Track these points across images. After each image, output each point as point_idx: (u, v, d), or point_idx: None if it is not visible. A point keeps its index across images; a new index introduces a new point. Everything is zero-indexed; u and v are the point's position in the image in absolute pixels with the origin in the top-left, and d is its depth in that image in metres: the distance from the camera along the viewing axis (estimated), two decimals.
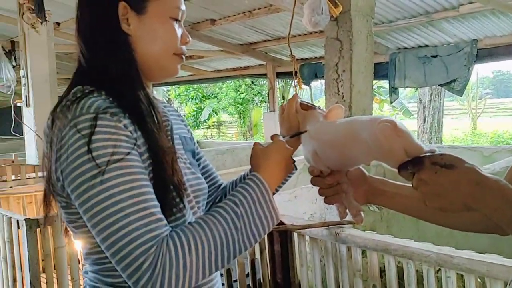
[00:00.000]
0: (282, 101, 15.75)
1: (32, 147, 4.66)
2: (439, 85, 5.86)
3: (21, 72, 4.62)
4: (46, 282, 2.38)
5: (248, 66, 8.47)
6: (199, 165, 1.10)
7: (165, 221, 0.80)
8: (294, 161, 0.99)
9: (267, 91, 8.26)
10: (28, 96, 4.55)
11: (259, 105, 17.42)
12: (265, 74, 8.01)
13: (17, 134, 5.27)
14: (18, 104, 4.73)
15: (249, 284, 2.44)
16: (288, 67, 7.44)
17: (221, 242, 0.81)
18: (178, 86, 16.77)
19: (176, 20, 0.95)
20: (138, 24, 0.91)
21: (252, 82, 16.54)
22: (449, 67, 5.46)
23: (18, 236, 2.44)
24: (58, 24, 6.14)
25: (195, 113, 18.93)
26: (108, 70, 0.88)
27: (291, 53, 2.52)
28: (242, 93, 17.00)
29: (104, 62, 0.89)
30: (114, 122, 0.81)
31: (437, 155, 0.74)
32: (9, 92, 5.42)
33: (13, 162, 4.33)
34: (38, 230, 2.34)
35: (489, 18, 5.03)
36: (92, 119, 0.79)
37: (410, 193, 0.95)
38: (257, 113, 17.18)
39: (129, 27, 0.90)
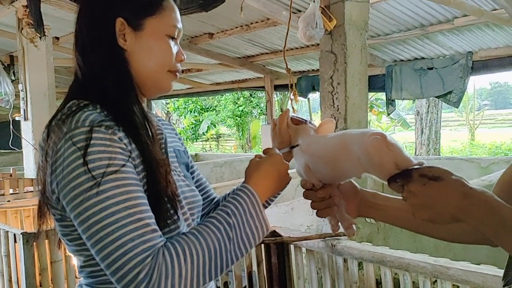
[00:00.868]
0: (281, 113, 15.78)
1: (30, 161, 4.67)
2: (435, 97, 5.90)
3: (20, 86, 4.64)
4: None
5: (246, 79, 8.51)
6: (192, 178, 1.11)
7: (159, 232, 0.81)
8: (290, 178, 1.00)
9: (265, 103, 8.29)
10: (27, 110, 4.58)
11: (257, 117, 17.45)
12: (263, 87, 8.05)
13: (16, 148, 5.28)
14: (17, 118, 4.75)
15: None
16: (285, 79, 7.48)
17: (215, 252, 0.82)
18: (177, 99, 16.83)
19: (172, 38, 0.97)
20: (135, 40, 0.93)
21: (251, 95, 16.59)
22: (445, 79, 5.50)
23: (15, 250, 2.44)
24: (57, 38, 6.20)
25: (193, 125, 18.95)
26: (103, 83, 0.90)
27: (287, 66, 2.55)
28: (240, 106, 17.05)
29: (99, 76, 0.91)
30: (109, 134, 0.82)
31: (425, 167, 0.76)
32: (7, 106, 5.44)
33: (11, 176, 4.34)
34: (35, 244, 2.34)
35: (483, 31, 5.09)
36: (87, 131, 0.81)
37: (401, 206, 0.96)
38: (256, 126, 17.20)
39: (125, 42, 0.92)
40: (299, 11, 4.58)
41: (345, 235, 2.12)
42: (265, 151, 0.99)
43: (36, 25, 3.90)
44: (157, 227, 0.81)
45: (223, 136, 21.47)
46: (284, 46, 2.62)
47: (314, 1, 2.51)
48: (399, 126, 16.16)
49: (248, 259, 2.42)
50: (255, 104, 17.06)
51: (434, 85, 5.60)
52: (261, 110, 16.53)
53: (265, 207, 0.94)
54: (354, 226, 1.02)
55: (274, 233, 2.36)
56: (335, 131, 1.02)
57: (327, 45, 2.58)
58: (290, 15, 2.67)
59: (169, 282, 0.76)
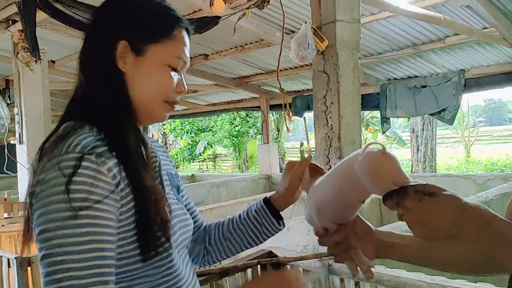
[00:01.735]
0: (277, 133, 15.83)
1: (25, 185, 4.63)
2: (429, 114, 5.95)
3: (15, 110, 4.64)
4: None
5: (242, 99, 8.56)
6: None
7: (112, 285, 0.78)
8: None
9: (261, 123, 8.33)
10: (22, 134, 4.57)
11: (254, 137, 17.47)
12: (259, 107, 8.10)
13: (10, 172, 5.25)
14: (12, 142, 4.74)
15: None
16: (281, 99, 7.52)
17: None
18: (173, 119, 16.86)
19: (175, 69, 0.94)
20: (135, 65, 0.91)
21: (247, 115, 16.65)
22: (438, 97, 5.55)
23: (9, 275, 2.41)
24: (53, 62, 6.23)
25: (190, 146, 18.94)
26: (99, 104, 0.89)
27: (280, 86, 2.57)
28: (237, 126, 17.08)
29: (96, 95, 0.90)
30: (97, 165, 0.79)
31: (420, 184, 0.77)
32: (2, 130, 5.44)
33: (5, 200, 4.31)
34: (29, 268, 2.31)
35: (475, 49, 5.16)
36: (77, 159, 0.79)
37: (418, 243, 0.93)
38: (252, 145, 17.21)
39: (125, 66, 0.91)
40: (292, 31, 4.63)
41: None
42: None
43: (32, 49, 3.93)
44: (111, 278, 0.78)
45: (220, 156, 21.45)
46: (278, 67, 2.65)
47: (306, 22, 2.55)
48: (395, 144, 16.21)
49: (244, 280, 2.40)
50: (252, 124, 17.10)
51: (428, 103, 5.65)
52: (257, 130, 16.56)
53: None
54: (372, 268, 1.01)
55: (271, 254, 2.34)
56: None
57: (319, 65, 2.61)
58: (282, 36, 2.70)
59: None
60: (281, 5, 2.81)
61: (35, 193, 0.80)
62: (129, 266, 0.84)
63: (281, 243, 2.60)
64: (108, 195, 0.80)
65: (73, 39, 5.00)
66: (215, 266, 2.06)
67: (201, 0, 3.40)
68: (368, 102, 6.19)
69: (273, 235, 1.12)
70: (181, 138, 19.25)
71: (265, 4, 3.01)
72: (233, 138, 17.43)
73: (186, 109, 9.41)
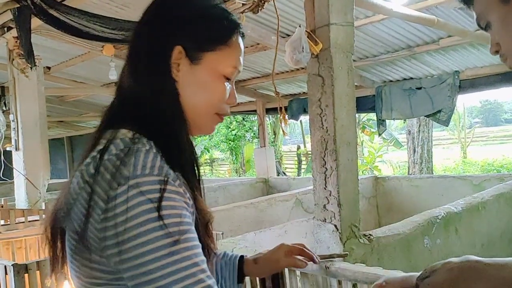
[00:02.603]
0: (274, 136, 15.85)
1: (21, 191, 4.63)
2: (425, 116, 5.98)
3: (11, 117, 4.64)
4: None
5: (238, 103, 8.54)
6: None
7: None
8: None
9: (258, 127, 8.34)
10: (18, 140, 4.56)
11: (251, 141, 17.49)
12: (255, 111, 8.11)
13: (7, 179, 5.24)
14: (8, 148, 4.73)
15: None
16: (277, 103, 7.52)
17: None
18: None
19: (228, 79, 0.88)
20: (188, 72, 0.85)
21: (243, 119, 16.67)
22: (433, 99, 5.57)
23: (6, 282, 2.40)
24: (48, 68, 6.23)
25: None
26: (157, 116, 0.82)
27: (276, 89, 2.59)
28: (233, 130, 17.10)
29: (151, 103, 0.83)
30: (176, 187, 0.75)
31: (422, 272, 0.83)
32: None
33: (2, 206, 4.29)
34: (26, 275, 2.31)
35: (469, 51, 5.19)
36: (161, 182, 0.73)
37: None
38: (249, 149, 17.22)
39: (177, 73, 0.84)
40: (288, 35, 4.65)
41: (338, 256, 2.12)
42: None
43: (27, 56, 3.93)
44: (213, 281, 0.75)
45: (217, 160, 21.46)
46: (273, 70, 2.66)
47: (300, 26, 2.57)
48: (391, 146, 16.25)
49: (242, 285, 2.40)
50: (248, 128, 17.12)
51: (423, 105, 5.68)
52: (254, 134, 16.58)
53: None
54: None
55: None
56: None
57: (314, 69, 2.62)
58: (277, 39, 2.72)
59: None
60: (275, 9, 2.83)
61: (116, 220, 0.72)
62: None
63: None
64: (192, 214, 0.78)
65: (69, 45, 5.02)
66: None
67: None
68: (364, 104, 6.20)
69: None
70: None
71: (260, 8, 3.03)
72: (230, 142, 17.45)
73: None
